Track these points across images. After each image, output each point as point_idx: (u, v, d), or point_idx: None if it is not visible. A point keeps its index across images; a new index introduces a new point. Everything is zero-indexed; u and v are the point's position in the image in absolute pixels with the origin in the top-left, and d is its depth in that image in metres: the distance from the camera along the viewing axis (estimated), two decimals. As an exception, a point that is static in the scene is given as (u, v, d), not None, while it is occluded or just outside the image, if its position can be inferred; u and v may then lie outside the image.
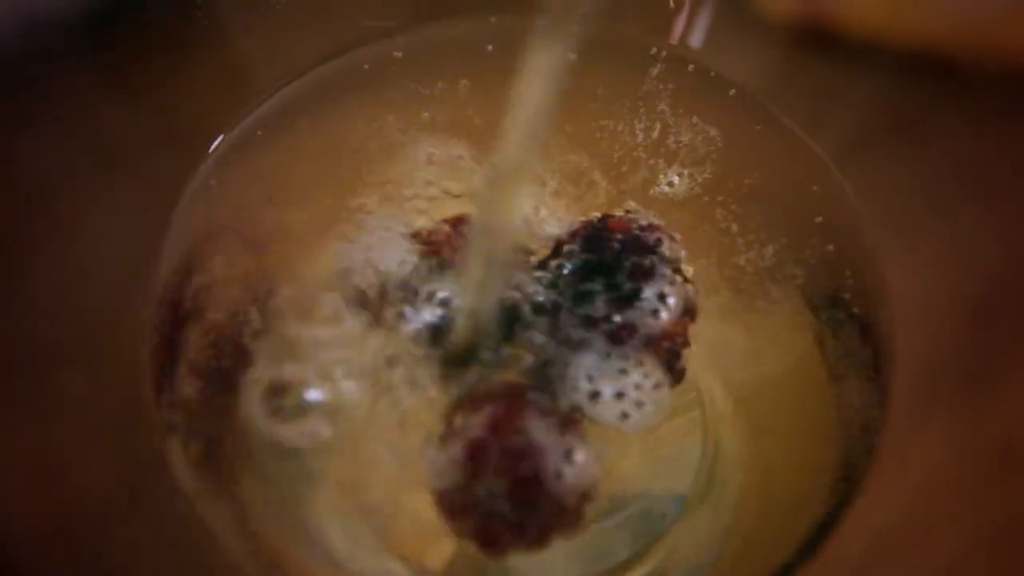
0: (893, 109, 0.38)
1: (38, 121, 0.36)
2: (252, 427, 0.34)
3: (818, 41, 0.40)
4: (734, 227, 0.38)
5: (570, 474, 0.31)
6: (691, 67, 0.40)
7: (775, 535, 0.35)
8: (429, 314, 0.34)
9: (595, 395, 0.33)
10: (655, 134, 0.39)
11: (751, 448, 0.36)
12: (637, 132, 0.39)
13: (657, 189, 0.38)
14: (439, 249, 0.35)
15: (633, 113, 0.40)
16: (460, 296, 0.34)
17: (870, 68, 0.39)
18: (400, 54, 0.41)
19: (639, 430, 0.33)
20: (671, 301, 0.34)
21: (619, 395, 0.33)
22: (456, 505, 0.32)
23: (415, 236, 0.36)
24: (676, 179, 0.38)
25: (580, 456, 0.32)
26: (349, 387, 0.34)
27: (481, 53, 0.41)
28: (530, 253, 0.36)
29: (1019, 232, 0.34)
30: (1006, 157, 0.35)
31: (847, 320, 0.37)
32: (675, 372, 0.34)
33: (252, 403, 0.35)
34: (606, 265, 0.34)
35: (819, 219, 0.38)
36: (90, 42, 0.36)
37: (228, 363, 0.35)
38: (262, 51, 0.41)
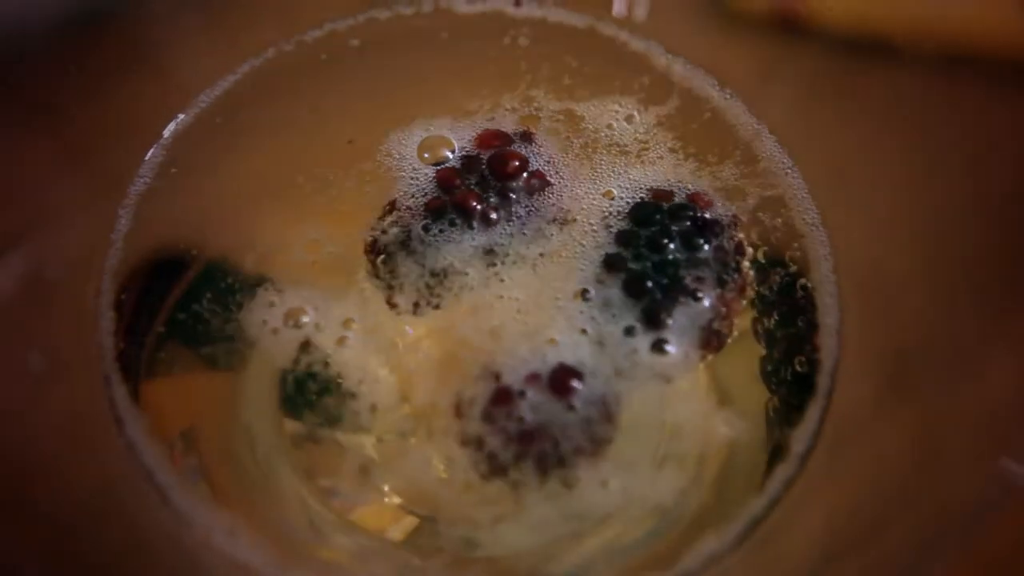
0: (836, 83, 0.39)
1: (11, 120, 0.37)
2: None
3: (773, 24, 0.41)
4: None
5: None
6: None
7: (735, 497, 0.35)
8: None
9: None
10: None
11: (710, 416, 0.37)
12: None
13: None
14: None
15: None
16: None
17: (816, 47, 0.40)
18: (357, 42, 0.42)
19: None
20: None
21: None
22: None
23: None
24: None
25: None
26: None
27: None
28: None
29: (953, 196, 0.35)
30: (943, 126, 0.35)
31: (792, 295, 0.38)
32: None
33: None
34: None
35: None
36: (62, 47, 0.38)
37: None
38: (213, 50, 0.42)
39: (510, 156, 0.38)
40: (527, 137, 0.39)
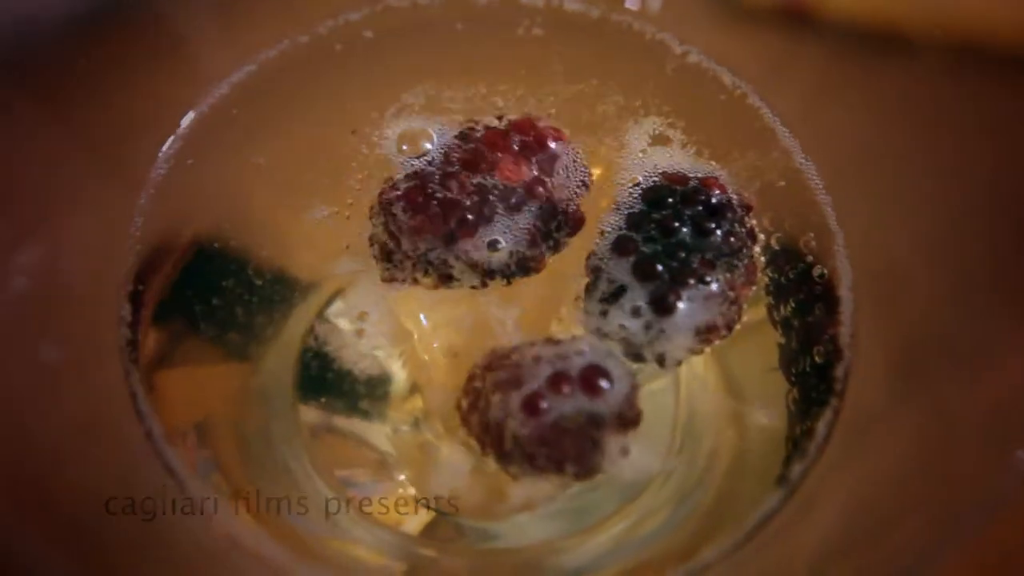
0: (849, 74, 0.38)
1: (28, 114, 0.37)
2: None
3: (785, 15, 0.41)
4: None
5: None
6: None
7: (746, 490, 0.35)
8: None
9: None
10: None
11: (723, 407, 0.37)
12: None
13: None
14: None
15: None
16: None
17: (829, 38, 0.40)
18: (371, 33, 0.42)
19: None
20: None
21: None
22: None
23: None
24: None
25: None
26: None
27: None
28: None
29: (966, 187, 0.35)
30: (955, 117, 0.35)
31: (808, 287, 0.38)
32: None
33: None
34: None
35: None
36: (79, 41, 0.38)
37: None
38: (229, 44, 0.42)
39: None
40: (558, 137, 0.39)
